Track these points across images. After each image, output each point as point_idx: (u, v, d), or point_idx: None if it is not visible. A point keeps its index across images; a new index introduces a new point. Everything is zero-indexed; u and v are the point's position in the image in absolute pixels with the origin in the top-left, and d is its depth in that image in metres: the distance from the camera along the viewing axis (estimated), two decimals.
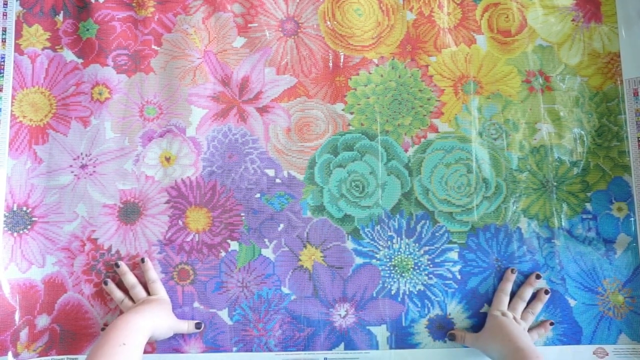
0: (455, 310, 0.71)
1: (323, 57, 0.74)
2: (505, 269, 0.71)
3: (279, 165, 0.72)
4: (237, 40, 0.74)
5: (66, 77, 0.72)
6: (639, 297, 0.70)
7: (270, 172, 0.72)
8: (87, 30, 0.72)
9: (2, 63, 0.71)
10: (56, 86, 0.72)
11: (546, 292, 0.69)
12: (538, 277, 0.70)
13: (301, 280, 0.71)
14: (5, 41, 0.71)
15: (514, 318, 0.67)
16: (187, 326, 0.68)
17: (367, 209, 0.72)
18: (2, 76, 0.71)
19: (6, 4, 0.72)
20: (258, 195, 0.71)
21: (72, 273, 0.69)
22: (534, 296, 0.70)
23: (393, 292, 0.71)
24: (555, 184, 0.72)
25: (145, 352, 0.62)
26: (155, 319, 0.62)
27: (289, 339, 0.70)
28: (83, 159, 0.71)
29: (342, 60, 0.74)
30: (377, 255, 0.71)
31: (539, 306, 0.69)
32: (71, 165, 0.71)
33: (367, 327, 0.70)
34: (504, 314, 0.67)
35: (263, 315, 0.70)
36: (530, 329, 0.68)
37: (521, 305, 0.69)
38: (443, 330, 0.70)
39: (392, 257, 0.71)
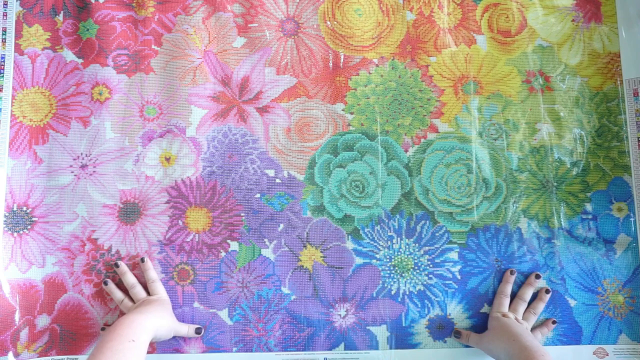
0: (456, 311, 0.71)
1: (323, 57, 0.74)
2: (505, 269, 0.71)
3: (279, 166, 0.72)
4: (237, 40, 0.74)
5: (66, 77, 0.72)
6: (639, 297, 0.70)
7: (270, 172, 0.72)
8: (87, 30, 0.72)
9: (2, 63, 0.71)
10: (56, 86, 0.72)
11: (547, 291, 0.69)
12: (538, 277, 0.70)
13: (301, 281, 0.71)
14: (5, 41, 0.71)
15: (516, 319, 0.67)
16: (187, 330, 0.68)
17: (367, 209, 0.72)
18: (2, 76, 0.71)
19: (6, 4, 0.72)
20: (258, 195, 0.72)
21: (72, 273, 0.69)
22: (535, 296, 0.70)
23: (393, 292, 0.71)
24: (555, 184, 0.72)
25: None
26: (157, 319, 0.63)
27: (289, 339, 0.70)
28: (83, 159, 0.71)
29: (342, 60, 0.74)
30: (377, 256, 0.71)
31: (540, 306, 0.69)
32: (71, 166, 0.71)
33: (367, 327, 0.70)
34: (504, 316, 0.67)
35: (263, 315, 0.70)
36: (533, 329, 0.68)
37: (522, 306, 0.69)
38: (443, 330, 0.70)
39: (392, 257, 0.71)
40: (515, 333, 0.62)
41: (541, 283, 0.70)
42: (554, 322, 0.69)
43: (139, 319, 0.60)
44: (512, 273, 0.70)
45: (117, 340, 0.55)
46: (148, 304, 0.65)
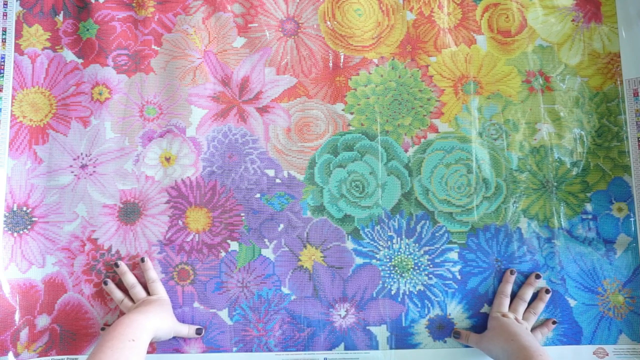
0: (456, 311, 0.71)
1: (323, 57, 0.74)
2: (505, 269, 0.71)
3: (279, 166, 0.72)
4: (237, 40, 0.74)
5: (66, 77, 0.72)
6: (639, 298, 0.70)
7: (270, 172, 0.72)
8: (87, 30, 0.72)
9: (2, 63, 0.71)
10: (56, 86, 0.72)
11: (547, 291, 0.69)
12: (538, 277, 0.70)
13: (301, 281, 0.71)
14: (5, 41, 0.71)
15: (516, 319, 0.67)
16: (187, 330, 0.68)
17: (367, 209, 0.72)
18: (2, 76, 0.71)
19: (6, 4, 0.72)
20: (258, 195, 0.72)
21: (72, 273, 0.69)
22: (535, 296, 0.70)
23: (393, 292, 0.71)
24: (555, 184, 0.72)
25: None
26: (157, 320, 0.63)
27: (289, 339, 0.70)
28: (83, 159, 0.71)
29: (342, 60, 0.74)
30: (377, 256, 0.71)
31: (540, 306, 0.69)
32: (71, 166, 0.71)
33: (367, 327, 0.70)
34: (504, 316, 0.67)
35: (263, 315, 0.70)
36: (533, 329, 0.68)
37: (522, 306, 0.69)
38: (443, 330, 0.70)
39: (392, 257, 0.71)
40: (514, 333, 0.62)
41: (541, 283, 0.70)
42: (554, 322, 0.69)
43: (139, 318, 0.60)
44: (512, 273, 0.70)
45: (117, 339, 0.55)
46: (148, 304, 0.65)
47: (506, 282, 0.70)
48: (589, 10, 0.75)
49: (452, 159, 0.72)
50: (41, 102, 0.71)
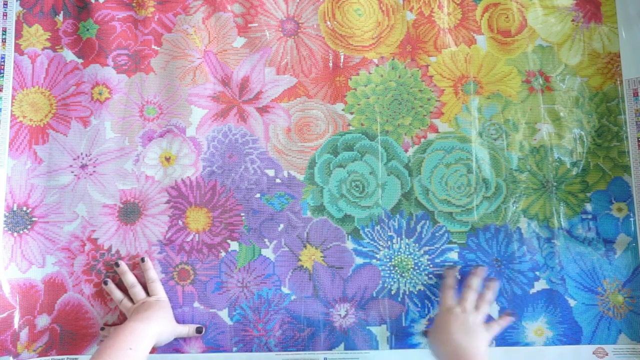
0: None
1: (323, 57, 0.74)
2: (505, 269, 0.71)
3: (279, 165, 0.72)
4: (237, 40, 0.74)
5: (66, 77, 0.72)
6: (639, 297, 0.70)
7: (270, 172, 0.72)
8: (87, 30, 0.72)
9: (2, 63, 0.71)
10: (56, 86, 0.72)
11: (493, 279, 0.69)
12: (479, 266, 0.69)
13: (301, 280, 0.71)
14: (5, 41, 0.71)
15: (465, 309, 0.65)
16: (187, 330, 0.68)
17: (367, 209, 0.72)
18: (2, 76, 0.71)
19: (6, 4, 0.72)
20: (258, 195, 0.72)
21: (72, 273, 0.69)
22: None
23: (393, 292, 0.71)
24: (555, 184, 0.72)
25: None
26: (158, 326, 0.63)
27: (289, 339, 0.70)
28: (83, 159, 0.71)
29: (342, 60, 0.74)
30: (377, 255, 0.71)
31: (489, 294, 0.67)
32: (71, 165, 0.71)
33: (367, 327, 0.70)
34: (450, 309, 0.65)
35: (263, 315, 0.70)
36: (490, 321, 0.67)
37: (471, 295, 0.66)
38: None
39: (392, 257, 0.71)
40: (452, 332, 0.62)
41: (541, 283, 0.70)
42: (509, 314, 0.68)
43: (139, 327, 0.60)
44: (451, 269, 0.69)
45: (116, 347, 0.56)
46: (148, 309, 0.65)
47: (447, 277, 0.69)
48: (589, 10, 0.75)
49: (452, 159, 0.72)
50: (41, 102, 0.71)
